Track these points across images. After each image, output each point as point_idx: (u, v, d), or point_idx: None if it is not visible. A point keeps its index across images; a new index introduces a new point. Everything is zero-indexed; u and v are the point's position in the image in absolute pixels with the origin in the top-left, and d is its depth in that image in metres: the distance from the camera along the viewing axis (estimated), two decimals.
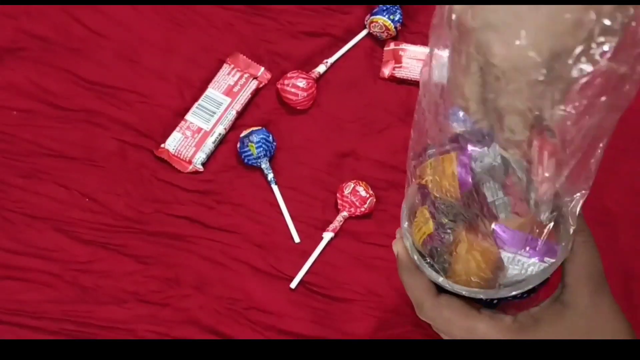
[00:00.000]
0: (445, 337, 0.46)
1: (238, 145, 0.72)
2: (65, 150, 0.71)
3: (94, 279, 0.66)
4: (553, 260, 0.42)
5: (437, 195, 0.43)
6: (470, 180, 0.41)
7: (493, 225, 0.42)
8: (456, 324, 0.43)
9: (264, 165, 0.71)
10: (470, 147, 0.41)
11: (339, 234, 0.70)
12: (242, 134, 0.72)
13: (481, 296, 0.42)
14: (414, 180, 0.46)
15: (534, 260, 0.42)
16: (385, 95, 0.76)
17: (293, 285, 0.68)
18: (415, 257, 0.44)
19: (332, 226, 0.69)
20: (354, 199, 0.69)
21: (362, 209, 0.70)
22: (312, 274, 0.68)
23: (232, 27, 0.78)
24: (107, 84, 0.74)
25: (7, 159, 0.70)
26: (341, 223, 0.70)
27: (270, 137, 0.71)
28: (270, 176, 0.71)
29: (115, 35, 0.76)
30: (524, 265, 0.42)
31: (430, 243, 0.43)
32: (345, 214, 0.70)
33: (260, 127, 0.72)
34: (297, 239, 0.69)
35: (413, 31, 0.79)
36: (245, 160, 0.71)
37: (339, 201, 0.70)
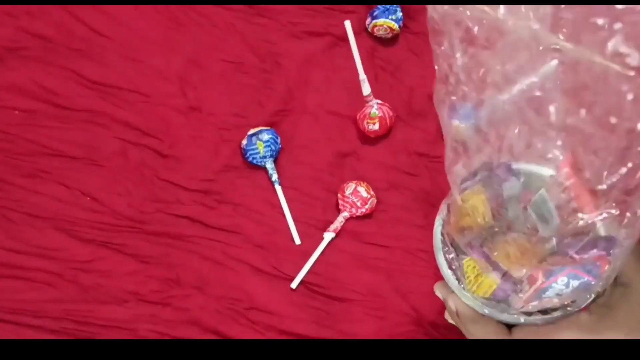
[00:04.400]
0: None
1: (244, 143, 0.71)
2: (66, 149, 0.71)
3: (95, 278, 0.67)
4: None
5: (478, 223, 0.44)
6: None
7: None
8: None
9: (269, 165, 0.71)
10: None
11: (339, 234, 0.70)
12: (251, 132, 0.71)
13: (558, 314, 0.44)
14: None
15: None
16: (386, 95, 0.76)
17: (294, 285, 0.68)
18: (487, 311, 0.45)
19: (333, 226, 0.69)
20: (355, 200, 0.69)
21: (363, 210, 0.70)
22: (313, 274, 0.68)
23: (234, 27, 0.78)
24: (109, 83, 0.74)
25: (8, 158, 0.70)
26: (342, 223, 0.70)
27: (278, 139, 0.72)
28: (275, 176, 0.71)
29: (117, 35, 0.76)
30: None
31: (502, 294, 0.44)
32: (346, 214, 0.70)
33: (269, 127, 0.72)
34: (297, 241, 0.69)
35: (414, 31, 0.79)
36: (250, 159, 0.71)
37: (340, 201, 0.70)
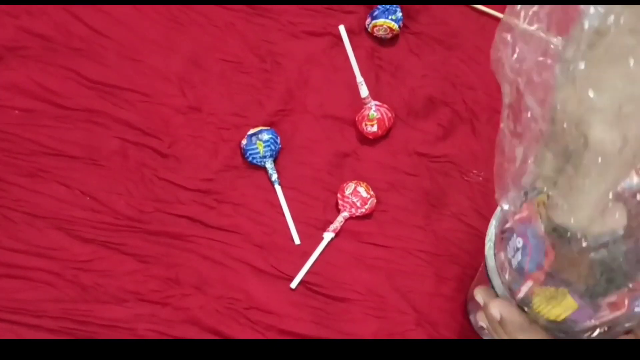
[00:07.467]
0: None
1: (244, 143, 0.71)
2: (66, 149, 0.71)
3: (95, 278, 0.66)
4: None
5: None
6: None
7: None
8: None
9: (269, 165, 0.71)
10: None
11: (339, 234, 0.70)
12: (250, 132, 0.72)
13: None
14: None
15: None
16: (386, 95, 0.76)
17: (293, 285, 0.68)
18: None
19: (332, 226, 0.69)
20: (354, 200, 0.69)
21: (363, 210, 0.70)
22: (313, 274, 0.68)
23: (233, 27, 0.78)
24: (109, 83, 0.74)
25: (8, 158, 0.70)
26: (342, 223, 0.70)
27: (278, 139, 0.72)
28: (275, 176, 0.71)
29: (117, 35, 0.76)
30: None
31: (578, 317, 0.43)
32: (345, 214, 0.70)
33: (269, 127, 0.72)
34: (297, 241, 0.69)
35: (414, 31, 0.79)
36: (250, 159, 0.71)
37: (340, 201, 0.70)
